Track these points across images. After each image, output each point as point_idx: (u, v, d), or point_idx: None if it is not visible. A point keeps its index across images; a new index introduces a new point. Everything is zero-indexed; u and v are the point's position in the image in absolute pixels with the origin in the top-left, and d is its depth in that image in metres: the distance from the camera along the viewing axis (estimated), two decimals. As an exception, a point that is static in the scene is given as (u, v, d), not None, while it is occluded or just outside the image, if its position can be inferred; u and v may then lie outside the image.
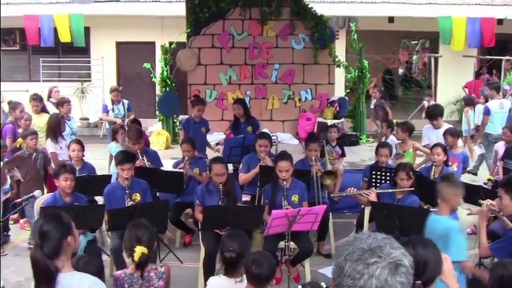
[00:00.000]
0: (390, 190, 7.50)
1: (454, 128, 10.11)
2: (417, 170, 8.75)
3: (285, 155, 7.71)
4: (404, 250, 2.26)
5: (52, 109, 12.45)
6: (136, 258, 5.02)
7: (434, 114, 10.36)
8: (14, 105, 10.96)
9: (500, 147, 10.13)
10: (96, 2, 16.99)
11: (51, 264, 3.71)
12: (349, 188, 7.90)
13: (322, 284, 4.16)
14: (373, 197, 7.44)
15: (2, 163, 9.12)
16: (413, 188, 7.40)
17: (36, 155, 9.22)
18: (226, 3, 14.79)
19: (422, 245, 4.02)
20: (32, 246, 8.57)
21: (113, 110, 13.28)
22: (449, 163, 9.14)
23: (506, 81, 17.95)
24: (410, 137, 10.05)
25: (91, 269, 4.63)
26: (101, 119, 15.02)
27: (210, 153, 10.75)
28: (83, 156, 9.11)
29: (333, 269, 2.30)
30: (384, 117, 14.72)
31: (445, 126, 10.12)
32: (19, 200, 8.15)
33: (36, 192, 7.14)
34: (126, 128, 11.13)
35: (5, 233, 9.13)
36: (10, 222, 9.29)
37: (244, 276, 5.18)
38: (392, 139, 10.38)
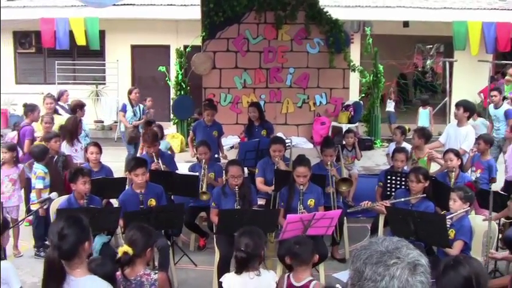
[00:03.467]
0: (403, 199, 7.47)
1: (489, 135, 10.01)
2: (433, 175, 8.72)
3: (303, 160, 7.69)
4: (419, 251, 2.28)
5: (61, 112, 12.49)
6: (119, 254, 5.04)
7: (468, 107, 10.12)
8: (31, 108, 10.92)
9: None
10: (112, 5, 17.06)
11: (63, 266, 3.75)
12: (364, 202, 7.88)
13: (338, 285, 4.20)
14: (384, 209, 7.47)
15: (22, 165, 9.16)
16: (425, 194, 7.37)
17: (58, 157, 9.23)
18: (241, 7, 14.80)
19: (474, 261, 3.96)
20: (38, 252, 8.64)
21: (134, 112, 13.27)
22: (474, 168, 9.10)
23: (507, 90, 17.89)
24: (426, 144, 9.93)
25: (101, 272, 4.65)
26: (116, 122, 15.06)
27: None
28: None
29: (350, 274, 2.30)
30: None
31: (469, 127, 9.95)
32: (35, 202, 8.22)
33: (53, 195, 7.17)
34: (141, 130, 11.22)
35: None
36: (25, 224, 9.20)
37: (261, 270, 5.23)
38: (405, 146, 10.29)
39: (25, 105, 11.14)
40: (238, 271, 5.22)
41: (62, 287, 3.76)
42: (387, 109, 18.40)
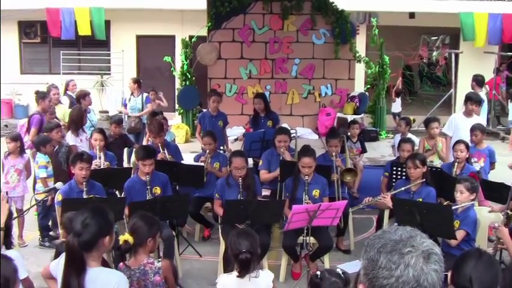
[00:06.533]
0: (403, 188, 7.49)
1: (482, 124, 10.00)
2: (439, 166, 8.71)
3: (308, 151, 7.68)
4: (432, 241, 2.27)
5: (66, 102, 12.44)
6: (120, 242, 5.02)
7: (474, 99, 10.11)
8: (42, 95, 10.82)
9: None
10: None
11: (83, 257, 3.77)
12: (366, 199, 7.88)
13: (338, 270, 4.19)
14: (388, 200, 7.42)
15: (28, 155, 9.17)
16: (424, 179, 7.39)
17: (59, 148, 9.21)
18: (247, -2, 14.80)
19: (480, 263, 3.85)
20: (42, 243, 8.63)
21: (129, 100, 13.18)
22: (475, 159, 9.05)
23: None
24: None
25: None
26: (120, 112, 15.04)
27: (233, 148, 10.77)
28: (105, 145, 9.16)
29: (363, 264, 2.29)
30: None
31: (476, 117, 9.98)
32: (40, 191, 8.21)
33: (58, 184, 7.16)
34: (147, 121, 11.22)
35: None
36: (35, 213, 9.05)
37: (260, 271, 5.18)
38: (411, 137, 10.27)
39: (37, 93, 11.05)
40: (242, 274, 5.11)
41: (82, 279, 3.80)
42: (392, 110, 18.25)
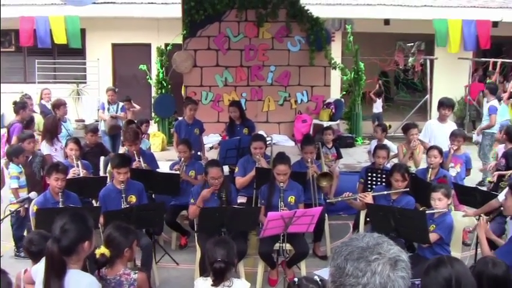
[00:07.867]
0: (385, 192, 7.51)
1: (462, 130, 10.07)
2: (413, 172, 8.77)
3: (283, 158, 7.69)
4: (400, 247, 2.28)
5: (38, 111, 12.41)
6: (97, 256, 5.00)
7: (446, 104, 10.17)
8: (21, 105, 10.81)
9: (500, 149, 10.09)
10: (93, 3, 16.96)
11: (64, 260, 3.77)
12: (345, 193, 7.88)
13: (316, 277, 4.21)
14: (369, 199, 7.44)
15: (2, 165, 9.09)
16: (408, 189, 7.43)
17: (33, 158, 9.15)
18: (222, 5, 14.78)
19: (458, 262, 3.93)
20: (18, 253, 8.53)
21: (108, 109, 13.22)
22: (452, 164, 9.10)
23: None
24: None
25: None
26: (97, 121, 14.97)
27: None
28: (80, 154, 9.11)
29: (331, 271, 2.29)
30: None
31: (450, 123, 10.07)
32: (15, 201, 8.14)
33: (32, 194, 7.11)
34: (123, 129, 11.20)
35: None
36: (10, 223, 8.96)
37: (234, 279, 5.19)
38: (387, 143, 10.32)
39: (15, 103, 11.02)
40: (216, 283, 5.14)
41: (63, 281, 3.80)
42: (374, 110, 18.39)
